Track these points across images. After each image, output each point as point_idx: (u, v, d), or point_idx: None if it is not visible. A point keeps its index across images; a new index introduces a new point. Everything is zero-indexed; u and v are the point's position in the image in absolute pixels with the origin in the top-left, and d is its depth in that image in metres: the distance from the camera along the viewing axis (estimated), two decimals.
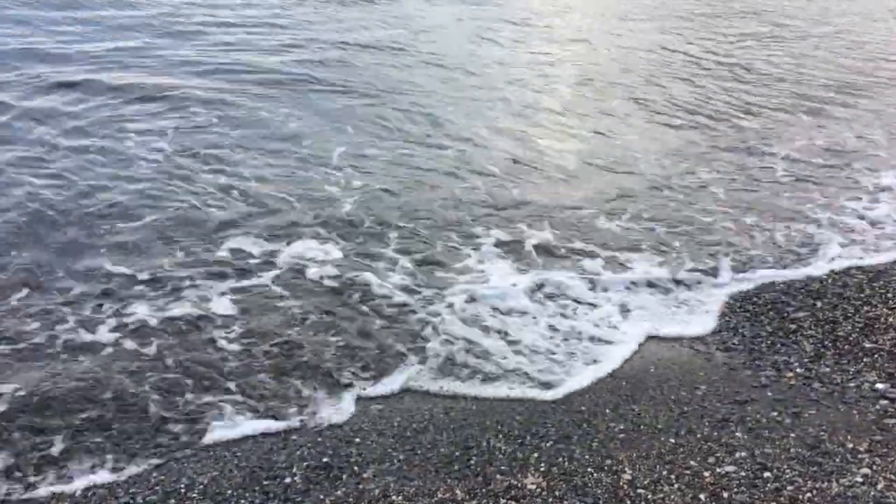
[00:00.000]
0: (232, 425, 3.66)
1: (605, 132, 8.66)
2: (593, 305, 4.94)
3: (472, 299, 4.88)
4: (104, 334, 4.32)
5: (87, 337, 4.29)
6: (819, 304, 5.01)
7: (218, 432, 3.61)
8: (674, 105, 9.79)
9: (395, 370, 4.18)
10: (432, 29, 13.68)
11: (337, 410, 3.81)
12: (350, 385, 4.03)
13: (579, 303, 4.96)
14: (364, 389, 4.00)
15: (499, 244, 5.68)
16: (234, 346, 4.29)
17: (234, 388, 3.94)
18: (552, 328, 4.65)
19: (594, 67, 11.66)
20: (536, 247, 5.67)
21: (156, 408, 3.75)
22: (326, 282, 5.02)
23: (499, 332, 4.58)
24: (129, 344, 4.25)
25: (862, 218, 6.52)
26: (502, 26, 14.42)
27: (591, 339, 4.56)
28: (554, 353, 4.39)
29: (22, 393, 3.76)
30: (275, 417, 3.75)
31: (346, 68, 10.55)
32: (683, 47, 13.41)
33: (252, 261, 5.25)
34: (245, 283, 4.96)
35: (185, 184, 6.40)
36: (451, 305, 4.80)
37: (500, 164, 7.37)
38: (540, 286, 5.10)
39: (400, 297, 4.89)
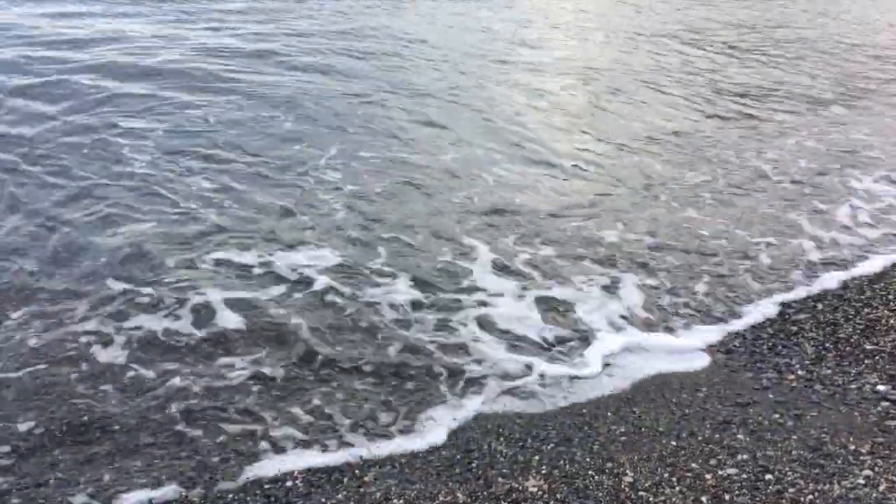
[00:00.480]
0: (286, 457, 3.50)
1: (602, 133, 8.66)
2: (598, 329, 4.75)
3: (481, 320, 4.74)
4: (115, 354, 4.18)
5: (101, 357, 4.14)
6: (820, 305, 5.01)
7: (269, 466, 3.44)
8: (668, 107, 9.80)
9: (438, 408, 3.92)
10: (432, 30, 13.69)
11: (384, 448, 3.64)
12: (393, 430, 3.77)
13: (584, 324, 4.80)
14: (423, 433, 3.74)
15: (497, 258, 5.50)
16: (250, 370, 4.12)
17: (272, 418, 3.75)
18: (562, 353, 4.49)
19: (593, 69, 11.67)
20: (535, 262, 5.51)
21: (194, 441, 3.56)
22: (330, 298, 4.85)
23: (514, 357, 4.42)
24: (144, 366, 4.09)
25: (852, 226, 6.46)
26: (504, 27, 14.44)
27: (597, 364, 4.41)
28: (566, 376, 4.28)
29: (41, 429, 3.56)
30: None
31: (344, 68, 10.55)
32: (681, 51, 13.44)
33: (249, 272, 5.12)
34: (247, 296, 4.82)
35: (177, 189, 6.35)
36: (463, 327, 4.66)
37: (495, 168, 7.34)
38: (544, 306, 4.94)
39: (409, 315, 4.74)
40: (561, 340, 4.59)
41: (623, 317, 4.87)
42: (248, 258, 5.29)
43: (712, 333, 4.72)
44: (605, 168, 7.56)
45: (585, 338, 4.64)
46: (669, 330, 4.78)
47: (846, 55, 13.82)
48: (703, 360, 4.40)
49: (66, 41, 10.93)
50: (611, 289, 5.21)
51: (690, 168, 7.65)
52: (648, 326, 4.81)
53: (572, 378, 4.22)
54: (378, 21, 14.13)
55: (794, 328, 4.72)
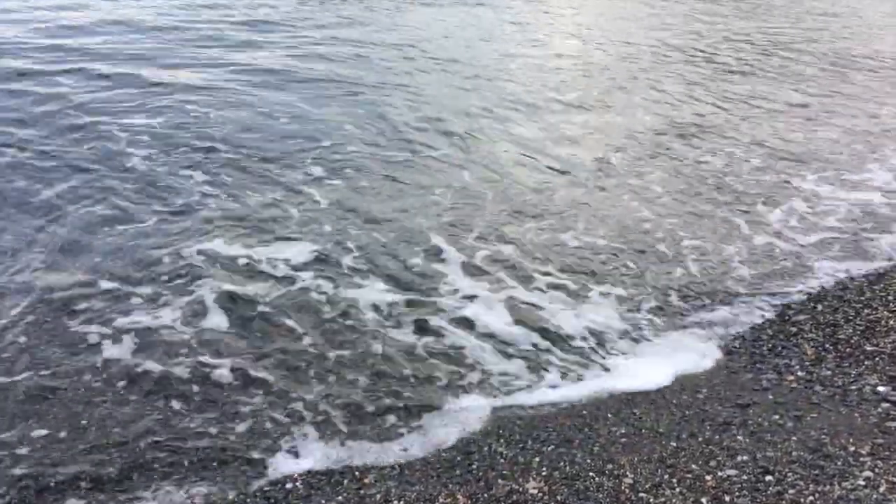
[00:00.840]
0: (287, 458, 3.52)
1: (581, 129, 8.81)
2: (570, 336, 4.73)
3: (457, 322, 4.75)
4: (113, 354, 4.18)
5: (100, 356, 4.15)
6: (819, 307, 5.00)
7: (271, 467, 3.45)
8: (646, 106, 9.94)
9: (442, 411, 3.93)
10: (432, 30, 13.75)
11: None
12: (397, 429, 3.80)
13: (557, 330, 4.77)
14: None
15: (468, 259, 5.53)
16: (245, 370, 4.13)
17: (271, 419, 3.76)
18: (548, 361, 4.46)
19: (583, 68, 11.78)
20: (506, 264, 5.51)
21: (194, 443, 3.56)
22: (317, 297, 4.89)
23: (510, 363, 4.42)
24: (142, 366, 4.09)
25: (784, 231, 6.41)
26: (501, 27, 14.49)
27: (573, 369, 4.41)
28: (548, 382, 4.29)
29: (64, 433, 3.56)
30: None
31: (342, 66, 10.66)
32: (669, 51, 13.50)
33: (234, 267, 5.18)
34: (235, 291, 4.87)
35: (170, 182, 6.46)
36: (447, 332, 4.65)
37: (474, 166, 7.44)
38: (514, 308, 4.95)
39: (390, 316, 4.75)
40: (550, 350, 4.58)
41: (600, 326, 4.87)
42: (237, 252, 5.36)
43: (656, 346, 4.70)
44: (576, 165, 7.67)
45: (577, 346, 4.64)
46: (636, 337, 4.80)
47: (833, 56, 13.86)
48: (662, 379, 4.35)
49: (67, 28, 11.14)
50: (578, 294, 5.22)
51: (653, 166, 7.78)
52: (621, 334, 4.81)
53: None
54: (377, 20, 14.18)
55: (794, 329, 4.72)
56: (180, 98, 8.54)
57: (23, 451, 3.44)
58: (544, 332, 4.72)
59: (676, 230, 6.29)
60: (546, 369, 4.35)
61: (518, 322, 4.80)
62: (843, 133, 9.23)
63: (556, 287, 5.27)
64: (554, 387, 4.17)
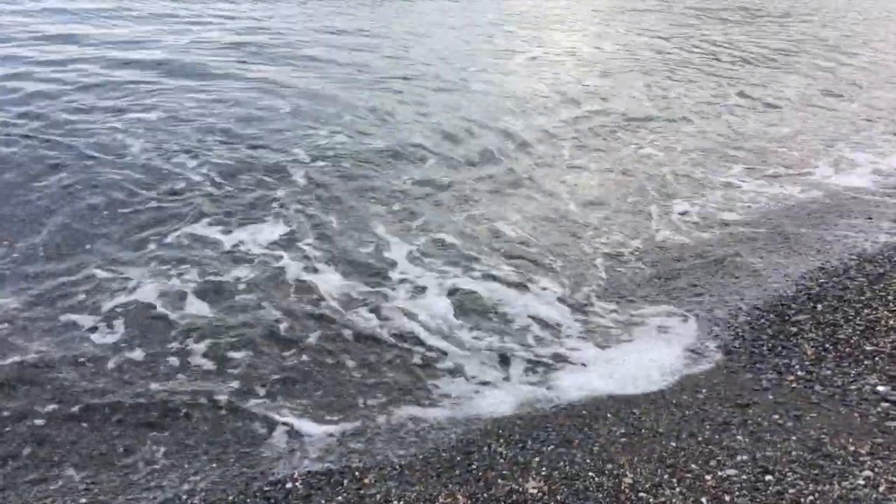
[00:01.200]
0: (285, 457, 3.55)
1: (551, 121, 9.09)
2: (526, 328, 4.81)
3: (411, 313, 4.84)
4: (102, 342, 4.26)
5: (90, 344, 4.24)
6: (819, 307, 5.00)
7: (268, 466, 3.47)
8: (612, 100, 10.11)
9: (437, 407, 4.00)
10: (430, 28, 13.89)
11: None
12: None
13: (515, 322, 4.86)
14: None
15: (421, 246, 5.74)
16: (233, 364, 4.22)
17: (283, 417, 3.82)
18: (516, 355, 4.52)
19: (567, 63, 12.01)
20: (459, 251, 5.70)
21: (188, 440, 3.62)
22: (289, 279, 5.12)
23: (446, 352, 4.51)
24: (130, 355, 4.18)
25: (680, 225, 6.46)
26: (497, 23, 14.58)
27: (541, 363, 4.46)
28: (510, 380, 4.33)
29: (61, 431, 3.60)
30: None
31: (341, 62, 10.86)
32: (649, 44, 13.64)
33: (216, 250, 5.40)
34: (215, 279, 5.04)
35: (160, 169, 6.68)
36: (387, 320, 4.76)
37: (443, 153, 7.68)
38: (474, 301, 5.06)
39: (359, 311, 4.83)
40: (515, 343, 4.63)
41: (553, 319, 4.94)
42: (219, 237, 5.59)
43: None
44: (532, 153, 7.97)
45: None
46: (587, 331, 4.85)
47: (823, 53, 13.90)
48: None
49: (71, 18, 11.41)
50: (525, 286, 5.30)
51: (595, 155, 8.03)
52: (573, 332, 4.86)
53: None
54: (375, 15, 14.32)
55: (794, 329, 4.71)
56: (183, 85, 8.78)
57: (20, 451, 3.45)
58: (502, 328, 4.79)
59: (595, 229, 6.37)
60: (520, 363, 4.42)
61: (480, 316, 4.90)
62: (805, 127, 9.33)
63: (502, 279, 5.38)
64: (533, 384, 4.21)
